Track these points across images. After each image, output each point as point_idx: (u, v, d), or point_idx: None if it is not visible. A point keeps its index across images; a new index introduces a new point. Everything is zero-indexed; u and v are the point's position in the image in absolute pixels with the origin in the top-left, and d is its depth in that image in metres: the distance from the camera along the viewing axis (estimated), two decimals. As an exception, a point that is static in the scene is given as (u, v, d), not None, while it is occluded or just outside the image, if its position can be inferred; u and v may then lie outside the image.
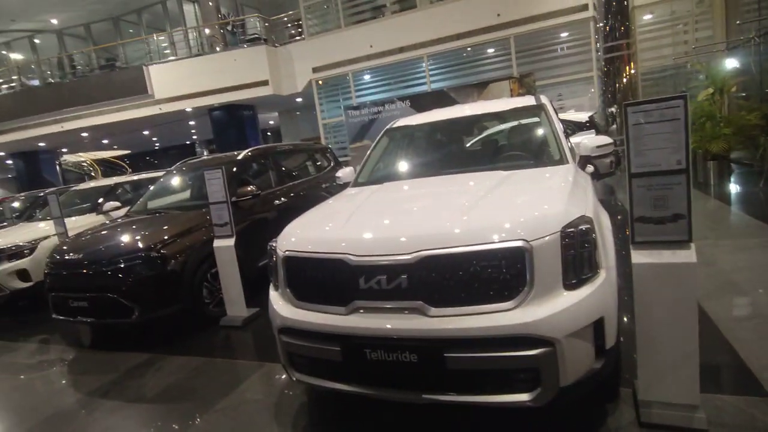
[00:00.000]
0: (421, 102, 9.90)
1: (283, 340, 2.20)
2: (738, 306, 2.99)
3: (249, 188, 4.50)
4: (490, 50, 11.02)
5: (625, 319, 2.85)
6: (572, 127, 7.07)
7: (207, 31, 14.46)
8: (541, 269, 1.74)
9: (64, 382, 3.44)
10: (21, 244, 5.40)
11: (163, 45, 15.02)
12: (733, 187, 6.77)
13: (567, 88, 10.40)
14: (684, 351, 1.83)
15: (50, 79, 15.97)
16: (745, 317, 2.81)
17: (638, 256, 1.87)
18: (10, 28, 17.35)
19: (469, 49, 11.08)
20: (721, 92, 7.45)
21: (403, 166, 3.42)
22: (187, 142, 25.13)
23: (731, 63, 7.96)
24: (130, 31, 18.03)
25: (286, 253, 2.22)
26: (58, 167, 19.70)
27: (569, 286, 1.77)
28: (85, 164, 22.39)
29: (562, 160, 2.71)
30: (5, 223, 7.28)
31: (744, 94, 8.55)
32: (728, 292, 3.18)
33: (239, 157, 4.97)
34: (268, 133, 22.96)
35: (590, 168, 3.20)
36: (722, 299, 3.07)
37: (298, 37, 13.32)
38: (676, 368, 1.85)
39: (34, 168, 18.31)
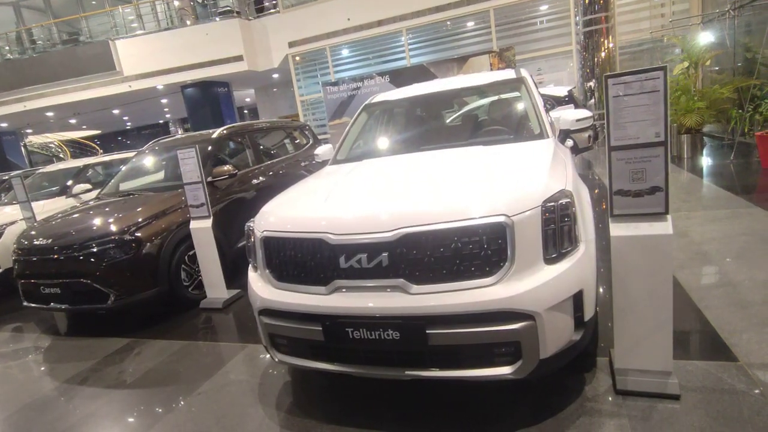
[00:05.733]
0: (400, 77, 9.74)
1: (263, 321, 2.17)
2: (708, 275, 3.10)
3: (225, 168, 4.37)
4: (470, 23, 10.85)
5: (601, 290, 2.92)
6: (551, 102, 7.09)
7: (176, 3, 13.73)
8: (521, 244, 1.74)
9: (40, 369, 3.35)
10: (-15, 230, 5.16)
11: (130, 18, 14.23)
12: (705, 160, 6.95)
13: (546, 62, 10.39)
14: (659, 320, 1.88)
15: (9, 55, 15.00)
16: (714, 285, 2.92)
17: (616, 229, 1.89)
18: (-40, -1, 16.14)
19: (448, 22, 10.89)
20: (696, 66, 7.55)
21: (382, 142, 3.36)
22: (161, 121, 24.27)
23: (706, 37, 8.03)
24: (93, 2, 16.97)
25: (264, 233, 2.17)
26: (23, 149, 18.80)
27: (549, 260, 1.79)
28: (52, 145, 21.39)
29: (542, 135, 2.70)
30: (-32, 209, 6.91)
31: (717, 68, 8.69)
32: (699, 261, 3.29)
33: (214, 136, 4.81)
34: (245, 111, 22.34)
35: (569, 142, 3.21)
36: (694, 269, 3.17)
37: (272, 10, 12.81)
38: (651, 337, 1.91)
39: (-3, 150, 17.45)
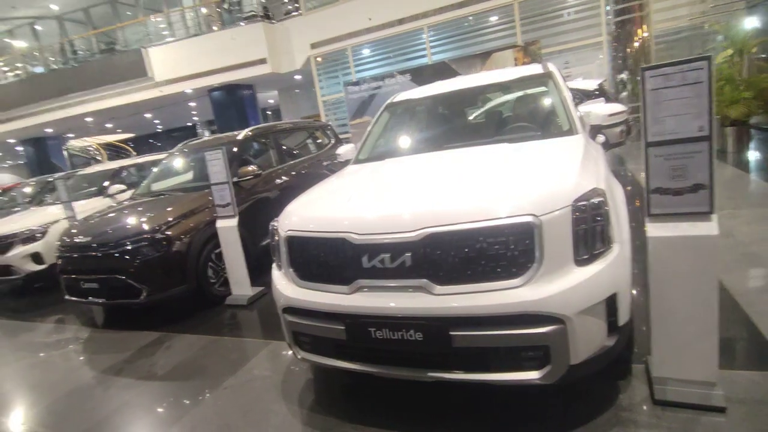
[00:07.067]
0: (422, 75, 9.63)
1: (287, 319, 2.17)
2: (757, 278, 2.89)
3: (250, 168, 4.44)
4: (493, 18, 10.61)
5: (634, 292, 2.77)
6: (580, 96, 6.83)
7: (204, 10, 14.10)
8: (550, 245, 1.66)
9: (79, 360, 3.50)
10: (33, 228, 5.46)
11: (161, 26, 14.73)
12: (753, 154, 6.52)
13: (574, 55, 10.03)
14: (702, 326, 1.75)
15: (53, 66, 15.83)
16: (764, 289, 2.72)
17: (654, 229, 1.77)
18: (12, 15, 17.17)
19: (470, 18, 10.68)
20: (741, 53, 7.11)
21: (405, 141, 3.31)
22: (189, 124, 25.00)
23: (752, 22, 7.55)
24: (128, 13, 17.69)
25: (288, 232, 2.17)
26: (65, 152, 19.79)
27: (580, 261, 1.70)
28: (91, 149, 22.43)
29: (571, 131, 2.58)
30: (18, 208, 7.34)
31: (765, 55, 8.16)
32: (747, 264, 3.07)
33: (239, 137, 4.89)
34: (268, 112, 22.69)
35: (601, 138, 3.07)
36: (741, 272, 2.97)
37: (294, 13, 12.94)
38: (694, 344, 1.78)
39: (43, 153, 18.53)
